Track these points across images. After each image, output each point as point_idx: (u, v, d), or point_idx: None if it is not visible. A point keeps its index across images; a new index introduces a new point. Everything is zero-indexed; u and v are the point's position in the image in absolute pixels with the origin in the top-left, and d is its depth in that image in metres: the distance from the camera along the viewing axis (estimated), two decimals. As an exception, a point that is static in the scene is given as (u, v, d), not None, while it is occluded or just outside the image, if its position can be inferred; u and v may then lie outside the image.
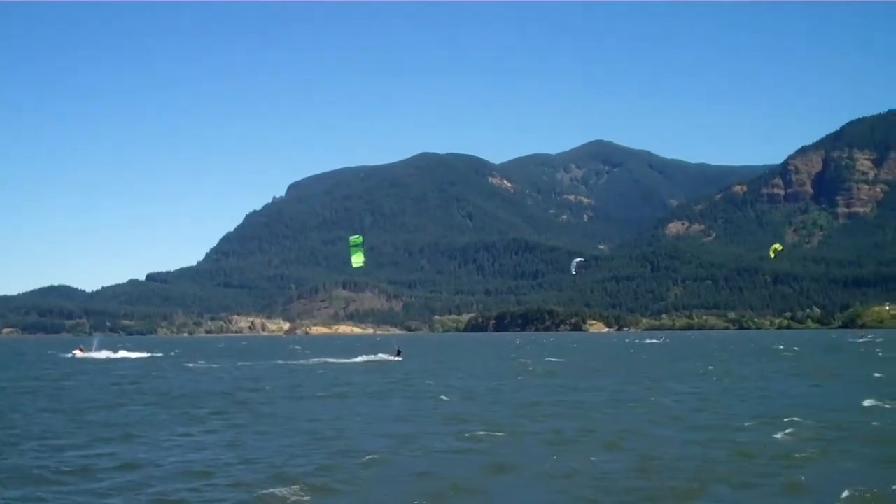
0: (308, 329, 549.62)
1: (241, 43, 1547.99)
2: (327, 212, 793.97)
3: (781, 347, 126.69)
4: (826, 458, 24.68)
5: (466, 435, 29.14)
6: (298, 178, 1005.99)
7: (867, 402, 38.52)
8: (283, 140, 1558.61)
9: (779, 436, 28.67)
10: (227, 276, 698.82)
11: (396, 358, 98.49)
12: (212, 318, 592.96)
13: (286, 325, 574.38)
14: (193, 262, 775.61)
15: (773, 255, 77.55)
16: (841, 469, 23.01)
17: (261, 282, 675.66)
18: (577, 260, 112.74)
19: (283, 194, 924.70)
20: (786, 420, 32.15)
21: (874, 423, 31.52)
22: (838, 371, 67.23)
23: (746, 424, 31.72)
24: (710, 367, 73.26)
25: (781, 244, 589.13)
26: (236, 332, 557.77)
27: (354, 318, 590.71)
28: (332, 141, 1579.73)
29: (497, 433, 29.43)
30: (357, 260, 55.13)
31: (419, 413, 36.89)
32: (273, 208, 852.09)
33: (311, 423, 32.96)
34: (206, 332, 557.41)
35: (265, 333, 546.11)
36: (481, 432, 29.53)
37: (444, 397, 44.68)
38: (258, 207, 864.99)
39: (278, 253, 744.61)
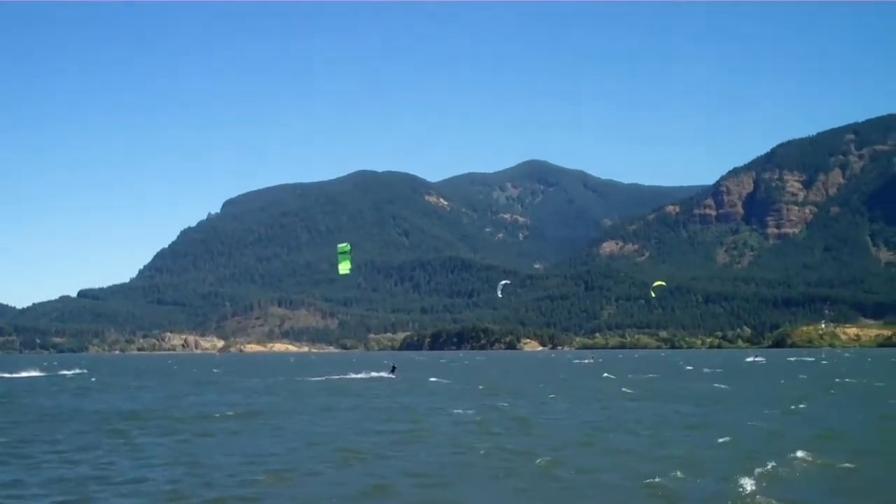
0: (242, 347, 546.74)
1: (177, 60, 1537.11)
2: (262, 229, 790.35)
3: (689, 368, 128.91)
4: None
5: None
6: (234, 194, 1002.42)
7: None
8: (218, 157, 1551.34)
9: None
10: (161, 293, 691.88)
11: (391, 375, 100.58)
12: (144, 336, 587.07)
13: (220, 343, 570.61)
14: (126, 279, 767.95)
15: (653, 293, 79.90)
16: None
17: (195, 299, 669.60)
18: (503, 282, 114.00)
19: (217, 211, 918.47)
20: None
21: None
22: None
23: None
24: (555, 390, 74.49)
25: (713, 264, 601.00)
26: (169, 349, 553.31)
27: (289, 335, 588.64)
28: (268, 158, 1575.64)
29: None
30: (344, 267, 56.23)
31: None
32: (208, 225, 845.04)
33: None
34: (139, 349, 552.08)
35: (198, 351, 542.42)
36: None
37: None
38: (193, 224, 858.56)
39: (213, 270, 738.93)
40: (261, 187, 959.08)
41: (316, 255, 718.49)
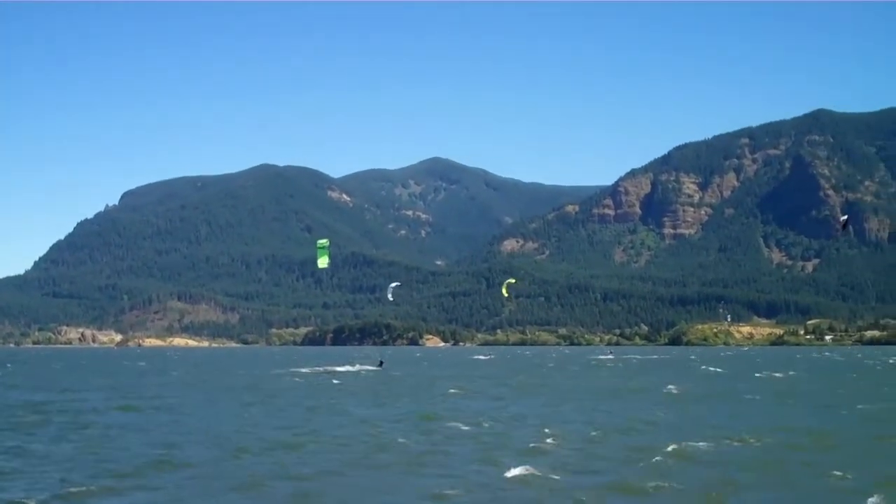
0: (141, 341, 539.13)
1: (76, 45, 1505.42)
2: (162, 221, 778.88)
3: (552, 365, 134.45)
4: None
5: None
6: (132, 186, 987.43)
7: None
8: (117, 147, 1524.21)
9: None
10: (57, 286, 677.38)
11: (378, 368, 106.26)
12: (39, 329, 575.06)
13: (118, 337, 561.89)
14: (21, 271, 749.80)
15: (505, 291, 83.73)
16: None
17: (92, 292, 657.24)
18: (394, 285, 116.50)
19: (116, 202, 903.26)
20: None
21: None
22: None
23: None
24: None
25: (611, 262, 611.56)
26: (65, 343, 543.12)
27: (189, 330, 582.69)
28: (169, 149, 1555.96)
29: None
30: (323, 262, 58.77)
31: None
32: (105, 217, 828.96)
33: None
34: (34, 342, 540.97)
35: (96, 345, 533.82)
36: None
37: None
38: (90, 216, 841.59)
39: (110, 263, 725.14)
40: (160, 179, 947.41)
41: (216, 248, 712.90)
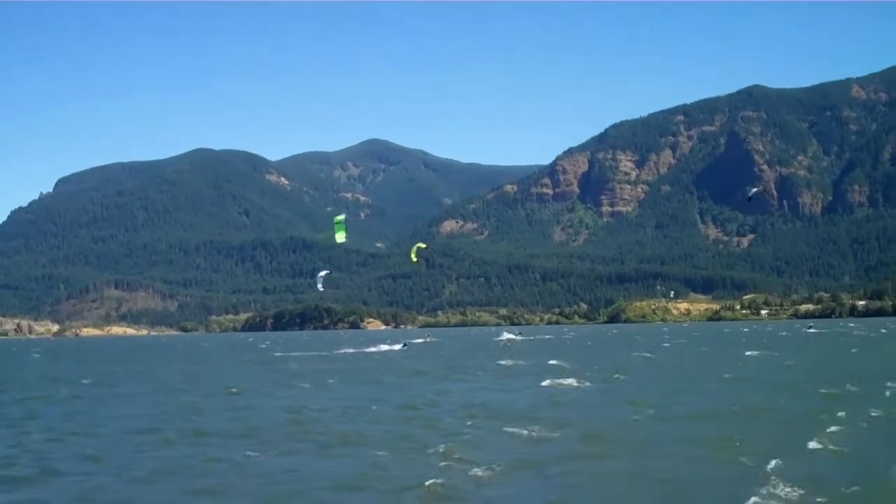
0: (78, 331, 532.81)
1: (6, 32, 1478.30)
2: (98, 208, 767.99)
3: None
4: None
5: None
6: (67, 173, 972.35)
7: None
8: (50, 133, 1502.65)
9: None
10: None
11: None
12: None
13: (55, 327, 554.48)
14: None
15: (414, 256, 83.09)
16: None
17: (27, 282, 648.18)
18: (322, 273, 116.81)
19: (50, 190, 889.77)
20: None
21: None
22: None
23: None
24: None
25: (550, 242, 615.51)
26: (1, 334, 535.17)
27: (128, 318, 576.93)
28: (103, 135, 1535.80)
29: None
30: (341, 237, 58.91)
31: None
32: (40, 205, 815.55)
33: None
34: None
35: (32, 336, 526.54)
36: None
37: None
38: (24, 204, 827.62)
39: (46, 252, 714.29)
40: (95, 165, 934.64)
41: (154, 235, 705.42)
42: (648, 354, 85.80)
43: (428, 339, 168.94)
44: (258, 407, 42.31)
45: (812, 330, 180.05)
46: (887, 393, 40.89)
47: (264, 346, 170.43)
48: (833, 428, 29.76)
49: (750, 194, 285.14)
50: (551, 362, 72.47)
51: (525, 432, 30.76)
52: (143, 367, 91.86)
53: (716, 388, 46.75)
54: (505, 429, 31.78)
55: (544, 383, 50.49)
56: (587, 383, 50.05)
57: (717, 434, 29.46)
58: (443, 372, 66.78)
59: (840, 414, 33.01)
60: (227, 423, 35.51)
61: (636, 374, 58.81)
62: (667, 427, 32.10)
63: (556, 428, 31.59)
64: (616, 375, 55.89)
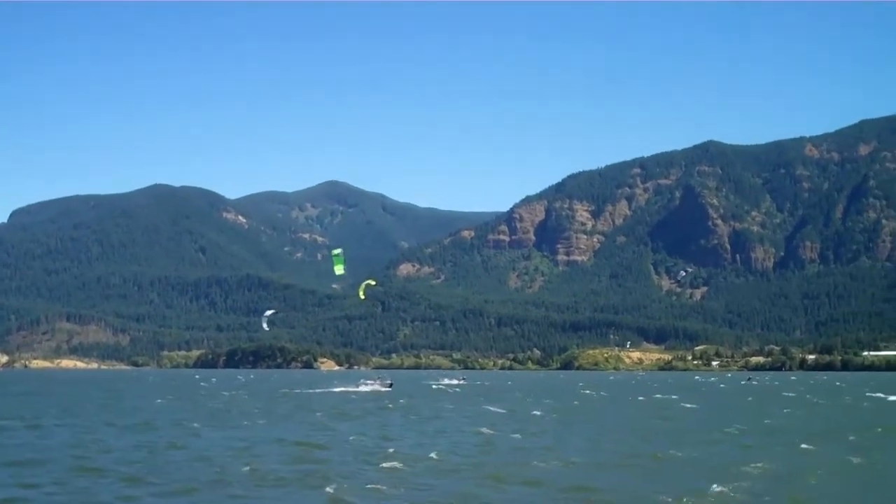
0: (28, 362, 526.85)
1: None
2: (52, 241, 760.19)
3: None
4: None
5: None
6: (23, 204, 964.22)
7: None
8: (6, 164, 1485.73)
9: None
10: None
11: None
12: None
13: (4, 358, 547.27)
14: None
15: (362, 294, 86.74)
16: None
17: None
18: (268, 312, 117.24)
19: (4, 220, 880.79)
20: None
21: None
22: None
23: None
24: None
25: (506, 288, 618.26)
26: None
27: (78, 351, 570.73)
28: (61, 167, 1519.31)
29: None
30: (339, 269, 61.87)
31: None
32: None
33: None
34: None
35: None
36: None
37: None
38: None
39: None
40: (52, 198, 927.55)
41: (108, 268, 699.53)
42: (552, 402, 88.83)
43: (378, 382, 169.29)
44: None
45: (752, 382, 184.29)
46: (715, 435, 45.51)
47: (206, 384, 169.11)
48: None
49: (679, 278, 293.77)
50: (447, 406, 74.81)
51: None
52: (71, 399, 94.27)
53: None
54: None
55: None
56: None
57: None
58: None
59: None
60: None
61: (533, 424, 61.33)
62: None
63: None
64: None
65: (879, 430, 52.37)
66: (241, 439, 46.23)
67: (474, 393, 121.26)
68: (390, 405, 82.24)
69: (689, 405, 75.89)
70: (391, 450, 41.02)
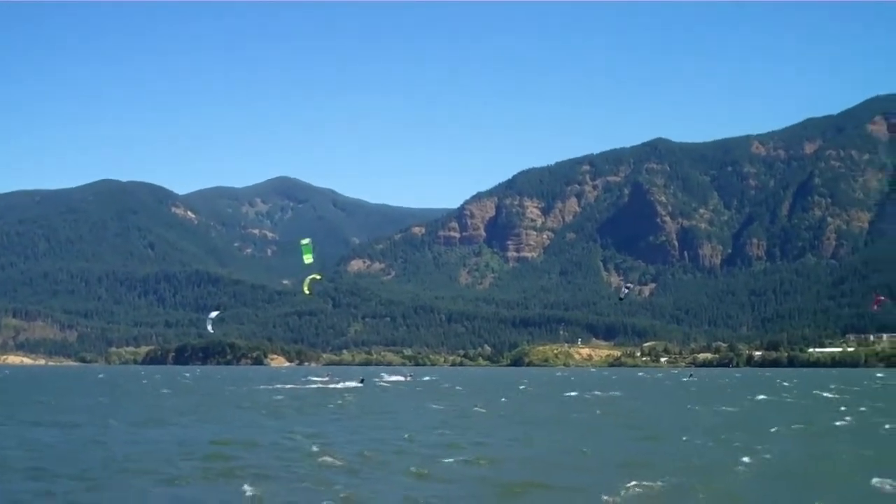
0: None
1: None
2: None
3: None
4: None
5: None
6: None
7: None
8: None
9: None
10: None
11: (360, 385, 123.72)
12: None
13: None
14: None
15: (307, 289, 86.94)
16: None
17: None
18: (213, 314, 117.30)
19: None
20: None
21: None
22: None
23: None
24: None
25: (457, 284, 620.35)
26: None
27: (25, 347, 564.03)
28: (5, 162, 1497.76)
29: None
30: (308, 258, 62.88)
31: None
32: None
33: None
34: None
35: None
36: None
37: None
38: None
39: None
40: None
41: (55, 264, 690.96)
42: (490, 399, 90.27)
43: (328, 377, 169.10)
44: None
45: (691, 378, 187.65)
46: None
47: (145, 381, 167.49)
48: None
49: (622, 295, 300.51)
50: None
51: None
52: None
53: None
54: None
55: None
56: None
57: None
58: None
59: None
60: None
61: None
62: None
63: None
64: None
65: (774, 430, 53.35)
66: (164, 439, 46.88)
67: (416, 390, 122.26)
68: (337, 402, 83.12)
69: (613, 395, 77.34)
70: (314, 448, 41.72)
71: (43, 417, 62.00)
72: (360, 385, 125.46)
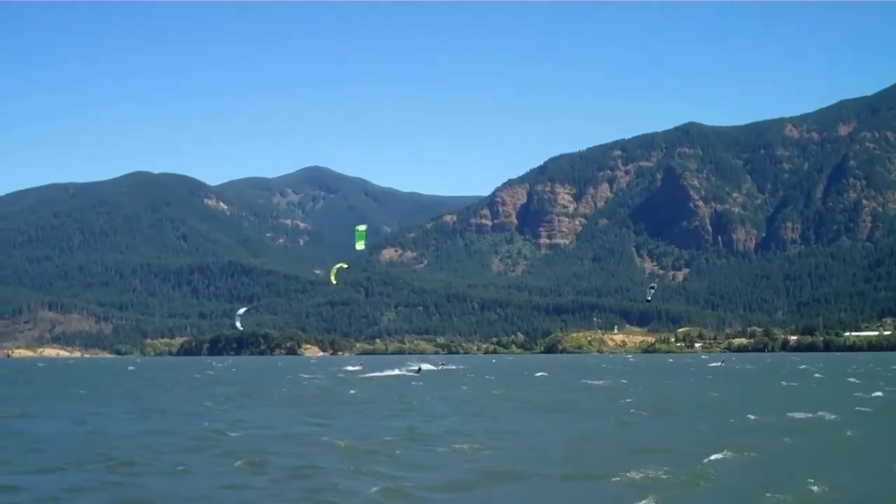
0: (10, 352, 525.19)
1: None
2: (33, 229, 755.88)
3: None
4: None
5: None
6: (1, 193, 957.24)
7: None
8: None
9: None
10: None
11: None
12: None
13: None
14: None
15: (334, 278, 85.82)
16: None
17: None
18: (241, 311, 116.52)
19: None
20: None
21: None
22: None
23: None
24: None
25: (489, 272, 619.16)
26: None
27: (61, 340, 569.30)
28: (39, 156, 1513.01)
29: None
30: (361, 245, 63.67)
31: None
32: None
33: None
34: None
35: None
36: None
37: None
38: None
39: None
40: (31, 186, 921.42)
41: (89, 257, 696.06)
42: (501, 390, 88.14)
43: (360, 367, 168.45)
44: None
45: (721, 364, 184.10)
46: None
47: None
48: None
49: (648, 297, 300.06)
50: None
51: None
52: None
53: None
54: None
55: None
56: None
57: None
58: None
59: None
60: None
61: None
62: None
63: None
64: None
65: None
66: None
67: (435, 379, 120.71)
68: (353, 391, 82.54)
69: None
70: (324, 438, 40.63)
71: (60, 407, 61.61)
72: (416, 373, 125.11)
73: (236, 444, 37.25)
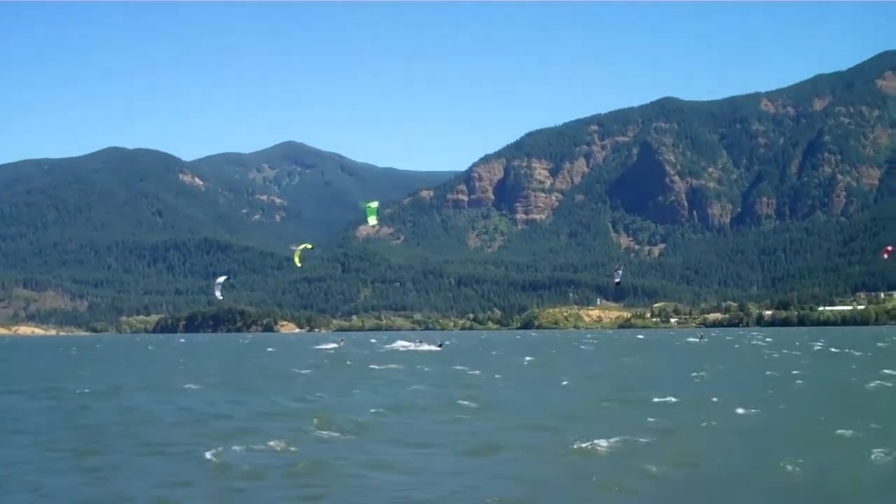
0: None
1: None
2: (6, 206, 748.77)
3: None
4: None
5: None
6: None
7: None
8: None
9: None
10: None
11: (438, 348, 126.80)
12: None
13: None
14: None
15: (297, 260, 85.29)
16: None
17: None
18: (220, 279, 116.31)
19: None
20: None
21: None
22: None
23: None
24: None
25: (465, 248, 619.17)
26: None
27: (36, 318, 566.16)
28: (12, 131, 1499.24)
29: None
30: (373, 220, 64.20)
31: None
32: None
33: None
34: None
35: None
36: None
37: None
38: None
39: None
40: (5, 162, 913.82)
41: (64, 234, 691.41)
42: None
43: (340, 343, 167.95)
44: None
45: (697, 339, 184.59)
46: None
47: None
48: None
49: (617, 279, 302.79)
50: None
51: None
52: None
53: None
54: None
55: None
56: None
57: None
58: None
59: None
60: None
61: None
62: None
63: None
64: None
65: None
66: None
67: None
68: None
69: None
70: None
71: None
72: (439, 349, 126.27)
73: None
